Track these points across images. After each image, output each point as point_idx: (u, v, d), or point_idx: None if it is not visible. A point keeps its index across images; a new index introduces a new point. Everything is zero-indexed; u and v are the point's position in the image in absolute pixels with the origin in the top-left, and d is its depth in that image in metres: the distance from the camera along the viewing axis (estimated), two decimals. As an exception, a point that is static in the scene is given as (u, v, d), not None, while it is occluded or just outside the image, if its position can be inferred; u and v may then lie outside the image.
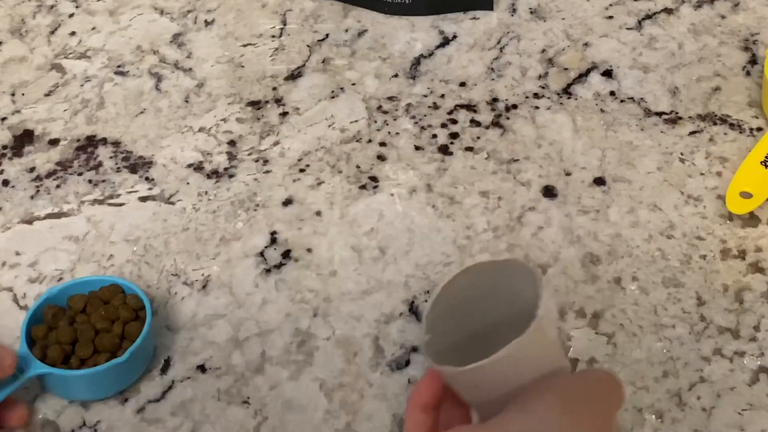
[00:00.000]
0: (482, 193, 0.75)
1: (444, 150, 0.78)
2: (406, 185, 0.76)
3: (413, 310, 0.68)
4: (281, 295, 0.69)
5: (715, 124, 0.79)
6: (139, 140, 0.80)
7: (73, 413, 0.63)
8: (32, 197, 0.76)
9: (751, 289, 0.69)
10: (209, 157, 0.78)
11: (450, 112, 0.81)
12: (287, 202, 0.75)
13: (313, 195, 0.75)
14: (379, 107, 0.81)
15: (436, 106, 0.81)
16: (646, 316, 0.67)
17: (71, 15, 0.90)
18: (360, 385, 0.65)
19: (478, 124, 0.80)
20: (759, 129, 0.78)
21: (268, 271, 0.71)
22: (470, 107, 0.81)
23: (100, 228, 0.73)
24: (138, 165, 0.78)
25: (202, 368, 0.66)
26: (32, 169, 0.78)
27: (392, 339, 0.67)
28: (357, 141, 0.79)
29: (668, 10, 0.89)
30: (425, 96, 0.82)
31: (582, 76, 0.83)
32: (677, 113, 0.80)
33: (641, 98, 0.81)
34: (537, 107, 0.81)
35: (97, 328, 0.63)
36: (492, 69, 0.84)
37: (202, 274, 0.70)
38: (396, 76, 0.84)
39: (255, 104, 0.82)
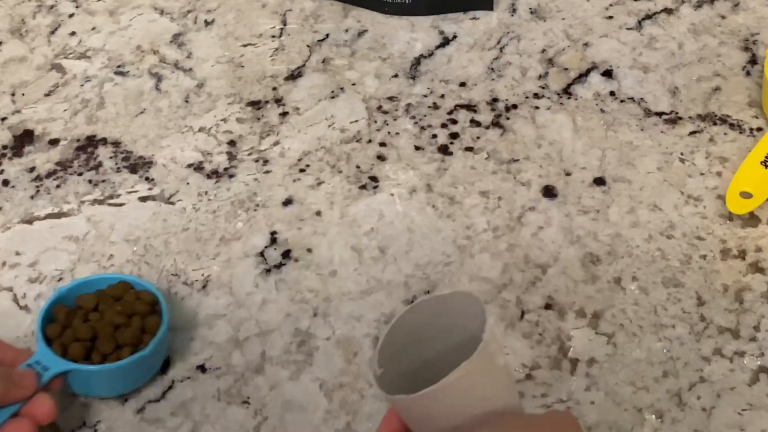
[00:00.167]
0: (482, 193, 0.75)
1: (444, 150, 0.78)
2: (406, 185, 0.76)
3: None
4: (281, 295, 0.69)
5: (715, 124, 0.79)
6: (139, 140, 0.80)
7: (73, 413, 0.63)
8: (32, 197, 0.76)
9: (751, 289, 0.69)
10: (209, 157, 0.78)
11: (450, 112, 0.81)
12: (287, 202, 0.75)
13: (313, 195, 0.75)
14: (379, 107, 0.81)
15: (436, 106, 0.81)
16: (646, 316, 0.67)
17: (71, 15, 0.90)
18: (360, 385, 0.65)
19: (478, 124, 0.80)
20: (759, 129, 0.78)
21: (268, 271, 0.71)
22: (470, 107, 0.81)
23: (100, 228, 0.73)
24: (138, 165, 0.78)
25: (202, 368, 0.66)
26: (32, 169, 0.78)
27: (392, 339, 0.67)
28: (357, 141, 0.79)
29: (668, 10, 0.89)
30: (425, 96, 0.82)
31: (582, 76, 0.83)
32: (677, 113, 0.80)
33: (641, 98, 0.81)
34: (537, 107, 0.81)
35: (116, 323, 0.63)
36: (492, 69, 0.84)
37: (202, 274, 0.70)
38: (396, 76, 0.84)
39: (255, 104, 0.82)
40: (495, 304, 0.68)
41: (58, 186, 0.76)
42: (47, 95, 0.83)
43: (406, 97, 0.82)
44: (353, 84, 0.83)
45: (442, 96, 0.82)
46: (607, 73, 0.83)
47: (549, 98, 0.82)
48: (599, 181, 0.75)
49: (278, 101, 0.82)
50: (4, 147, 0.79)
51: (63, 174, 0.77)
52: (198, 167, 0.78)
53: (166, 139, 0.80)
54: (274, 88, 0.83)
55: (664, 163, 0.76)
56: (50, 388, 0.60)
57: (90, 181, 0.77)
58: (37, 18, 0.90)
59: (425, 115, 0.81)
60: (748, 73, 0.83)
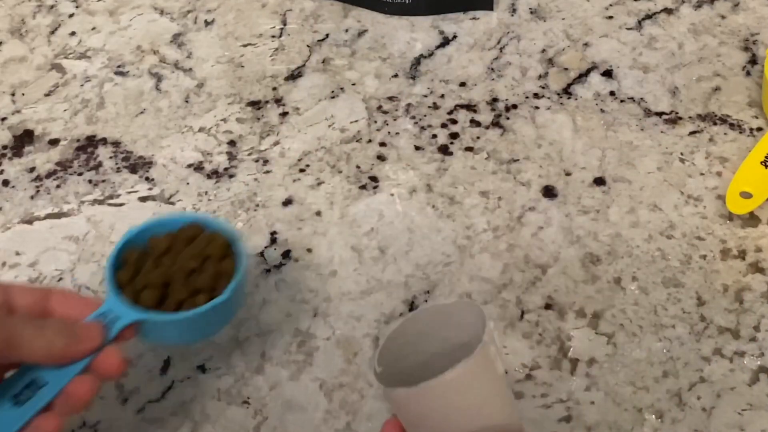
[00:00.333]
0: (482, 193, 0.75)
1: (444, 150, 0.78)
2: (406, 185, 0.76)
3: (413, 310, 0.68)
4: (281, 295, 0.69)
5: (715, 124, 0.79)
6: (139, 140, 0.80)
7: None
8: (32, 197, 0.76)
9: (751, 289, 0.69)
10: (209, 157, 0.78)
11: (450, 112, 0.81)
12: (287, 202, 0.75)
13: (313, 195, 0.75)
14: (379, 107, 0.81)
15: (436, 106, 0.81)
16: (646, 316, 0.67)
17: (71, 15, 0.90)
18: (360, 385, 0.65)
19: (478, 124, 0.80)
20: (759, 129, 0.78)
21: (268, 271, 0.71)
22: (470, 107, 0.81)
23: (100, 228, 0.73)
24: (138, 165, 0.78)
25: (202, 368, 0.66)
26: (32, 169, 0.78)
27: (392, 339, 0.67)
28: (357, 141, 0.79)
29: (668, 10, 0.89)
30: (425, 96, 0.82)
31: (582, 76, 0.83)
32: (677, 113, 0.80)
33: (641, 98, 0.81)
34: (537, 107, 0.81)
35: (190, 267, 0.58)
36: (492, 69, 0.84)
37: (202, 274, 0.70)
38: (396, 76, 0.84)
39: (255, 104, 0.82)
40: (495, 304, 0.68)
41: (58, 186, 0.76)
42: (47, 95, 0.83)
43: (406, 97, 0.82)
44: (353, 84, 0.83)
45: (442, 96, 0.82)
46: (607, 73, 0.83)
47: (549, 98, 0.82)
48: (599, 181, 0.75)
49: (278, 101, 0.82)
50: (4, 147, 0.80)
51: (63, 174, 0.77)
52: (198, 167, 0.78)
53: (166, 139, 0.80)
54: (274, 88, 0.83)
55: (664, 163, 0.76)
56: (122, 339, 0.55)
57: (90, 181, 0.77)
58: (37, 18, 0.90)
59: (425, 115, 0.81)
60: (748, 73, 0.83)
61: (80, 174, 0.77)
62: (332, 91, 0.83)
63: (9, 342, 0.51)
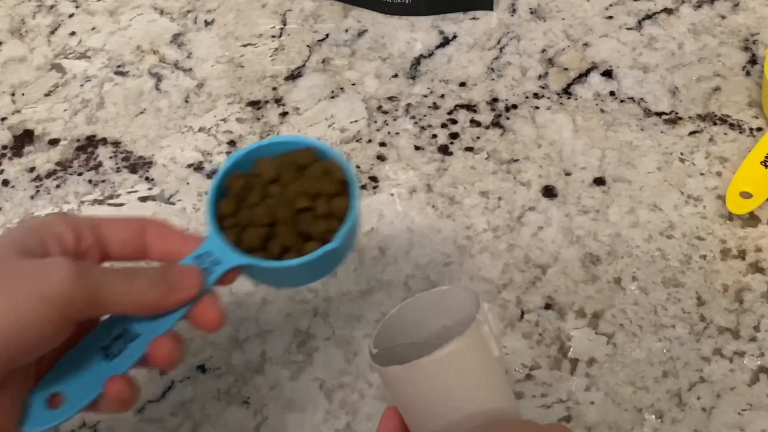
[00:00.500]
0: (482, 193, 0.75)
1: (444, 150, 0.78)
2: (406, 185, 0.76)
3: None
4: (281, 295, 0.69)
5: (715, 124, 0.79)
6: (139, 140, 0.80)
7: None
8: (32, 197, 0.76)
9: (751, 289, 0.69)
10: (209, 157, 0.78)
11: (450, 112, 0.81)
12: (287, 202, 0.75)
13: (313, 195, 0.75)
14: (379, 107, 0.81)
15: (436, 106, 0.81)
16: (646, 316, 0.67)
17: (71, 15, 0.90)
18: (360, 385, 0.65)
19: (478, 124, 0.80)
20: (759, 129, 0.78)
21: (268, 271, 0.71)
22: (470, 107, 0.81)
23: (100, 228, 0.73)
24: (138, 165, 0.78)
25: (202, 368, 0.66)
26: (32, 169, 0.78)
27: (392, 339, 0.67)
28: (357, 141, 0.79)
29: (668, 10, 0.89)
30: (425, 96, 0.82)
31: (582, 76, 0.83)
32: (677, 113, 0.80)
33: (641, 98, 0.81)
34: (537, 107, 0.81)
35: (298, 207, 0.52)
36: (492, 69, 0.84)
37: (202, 274, 0.70)
38: (396, 76, 0.84)
39: (255, 104, 0.82)
40: (495, 304, 0.68)
41: (58, 186, 0.76)
42: (47, 95, 0.83)
43: (406, 97, 0.82)
44: (353, 84, 0.83)
45: (442, 96, 0.82)
46: (607, 73, 0.83)
47: (549, 98, 0.82)
48: (599, 181, 0.75)
49: (278, 101, 0.82)
50: (4, 147, 0.80)
51: (63, 174, 0.77)
52: (198, 167, 0.78)
53: (166, 139, 0.80)
54: (274, 88, 0.83)
55: (664, 163, 0.76)
56: (222, 284, 0.51)
57: (90, 181, 0.77)
58: (37, 18, 0.90)
59: (425, 115, 0.81)
60: (748, 73, 0.83)
61: (80, 174, 0.77)
62: (332, 91, 0.83)
63: (95, 299, 0.46)
